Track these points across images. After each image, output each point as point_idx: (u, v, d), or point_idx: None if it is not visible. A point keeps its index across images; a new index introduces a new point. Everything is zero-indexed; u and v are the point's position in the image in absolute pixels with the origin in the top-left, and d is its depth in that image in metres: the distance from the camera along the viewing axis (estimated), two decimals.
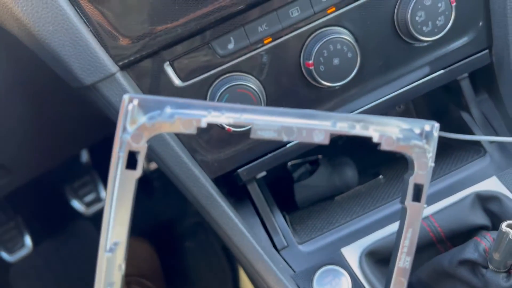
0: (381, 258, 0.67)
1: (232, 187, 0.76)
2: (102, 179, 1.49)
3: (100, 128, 1.13)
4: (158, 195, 1.74)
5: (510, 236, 0.50)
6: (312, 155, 0.89)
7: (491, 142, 0.74)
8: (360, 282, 0.65)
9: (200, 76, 0.64)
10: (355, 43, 0.65)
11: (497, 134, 0.75)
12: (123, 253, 0.42)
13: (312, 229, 0.76)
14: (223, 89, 0.62)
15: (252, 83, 0.64)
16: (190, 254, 1.55)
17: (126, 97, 0.41)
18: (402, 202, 0.46)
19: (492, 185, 0.68)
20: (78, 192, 1.53)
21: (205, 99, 0.65)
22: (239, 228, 0.68)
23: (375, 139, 0.43)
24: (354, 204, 0.78)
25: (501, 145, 0.74)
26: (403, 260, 0.47)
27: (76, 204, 1.53)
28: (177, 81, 0.63)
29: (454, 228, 0.65)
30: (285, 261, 0.72)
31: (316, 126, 0.42)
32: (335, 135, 0.42)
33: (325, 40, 0.63)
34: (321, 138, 0.41)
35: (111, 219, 0.41)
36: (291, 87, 0.67)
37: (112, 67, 0.59)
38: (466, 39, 0.69)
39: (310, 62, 0.64)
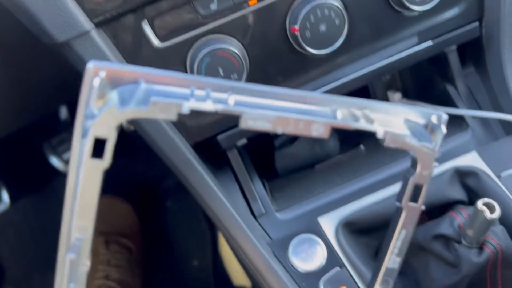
0: (357, 229, 0.67)
1: (213, 153, 0.75)
2: None
3: (79, 84, 1.09)
4: (139, 155, 1.72)
5: (485, 214, 0.51)
6: None
7: (474, 116, 0.74)
8: (335, 251, 0.65)
9: (180, 37, 0.61)
10: (343, 9, 0.62)
11: (480, 109, 0.74)
12: (88, 250, 0.37)
13: (291, 197, 0.76)
14: (204, 52, 0.60)
15: (235, 47, 0.61)
16: (170, 215, 1.56)
17: (90, 66, 0.34)
18: (399, 200, 0.43)
19: (471, 160, 0.68)
20: (56, 149, 1.50)
21: (184, 61, 0.62)
22: (217, 194, 0.67)
23: (379, 135, 0.39)
24: (333, 173, 0.78)
25: (484, 120, 0.74)
26: (392, 261, 0.45)
27: (55, 161, 1.50)
28: (155, 41, 0.61)
29: (431, 202, 0.66)
30: (263, 228, 0.72)
31: (315, 118, 0.37)
32: (338, 126, 0.38)
33: (312, 4, 0.61)
34: (320, 131, 0.37)
35: (74, 214, 0.36)
36: (276, 52, 0.65)
37: (86, 24, 0.56)
38: (457, 10, 0.67)
39: (296, 27, 0.62)
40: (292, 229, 0.69)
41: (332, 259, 0.65)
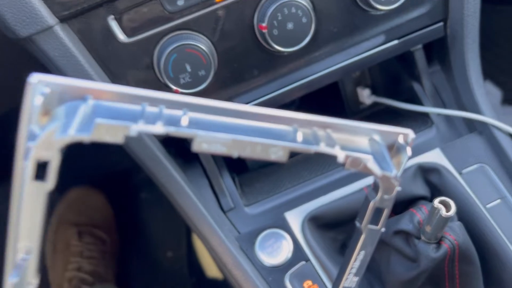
0: (323, 224, 0.69)
1: (182, 147, 0.75)
2: None
3: None
4: (115, 146, 1.71)
5: (441, 212, 0.52)
6: None
7: (439, 114, 0.76)
8: (301, 246, 0.67)
9: (147, 33, 0.60)
10: (310, 8, 0.63)
11: (445, 107, 0.76)
12: (34, 269, 0.34)
13: (260, 192, 0.77)
14: (171, 48, 0.60)
15: (203, 43, 0.61)
16: (145, 206, 1.55)
17: (32, 81, 0.31)
18: (359, 222, 0.42)
19: (434, 157, 0.70)
20: None
21: (151, 57, 0.62)
22: (184, 189, 0.67)
23: (340, 160, 0.37)
24: (302, 168, 0.79)
25: (448, 118, 0.76)
26: (350, 281, 0.45)
27: None
28: (122, 37, 0.60)
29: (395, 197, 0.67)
30: (231, 222, 0.73)
31: (273, 141, 0.35)
32: (296, 150, 0.36)
33: (280, 2, 0.61)
34: (279, 155, 0.35)
35: (18, 236, 0.33)
36: (244, 50, 0.65)
37: (50, 19, 0.55)
38: (423, 10, 0.68)
39: (264, 25, 0.62)
40: (260, 223, 0.70)
41: (298, 254, 0.66)
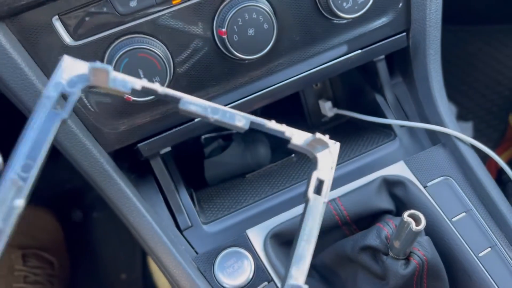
0: (286, 241, 0.65)
1: (136, 161, 0.70)
2: None
3: None
4: (65, 161, 1.62)
5: (410, 226, 0.50)
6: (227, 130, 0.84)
7: (402, 126, 0.74)
8: (263, 265, 0.62)
9: (96, 36, 0.56)
10: (272, 14, 0.60)
11: (408, 119, 0.75)
12: (26, 192, 0.37)
13: (220, 208, 0.72)
14: (122, 52, 0.55)
15: (157, 48, 0.57)
16: (97, 226, 1.47)
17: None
18: (305, 195, 0.44)
19: (399, 169, 0.68)
20: None
21: (101, 61, 0.57)
22: (136, 207, 0.62)
23: (287, 135, 0.45)
24: (264, 183, 0.75)
25: (411, 130, 0.74)
26: (302, 248, 0.45)
27: None
28: (67, 39, 0.55)
29: (359, 211, 0.65)
30: (188, 242, 0.68)
31: (240, 112, 0.43)
32: (255, 123, 0.44)
33: (240, 7, 0.58)
34: (243, 122, 0.43)
35: (23, 152, 0.36)
36: (202, 56, 0.61)
37: None
38: (385, 19, 0.67)
39: (223, 30, 0.59)
40: (219, 242, 0.65)
41: (260, 274, 0.62)
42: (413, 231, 0.50)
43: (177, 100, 0.41)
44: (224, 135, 0.85)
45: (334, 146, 0.44)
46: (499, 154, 1.33)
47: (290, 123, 0.88)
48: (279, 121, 0.89)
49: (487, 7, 1.58)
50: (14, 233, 1.12)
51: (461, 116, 1.52)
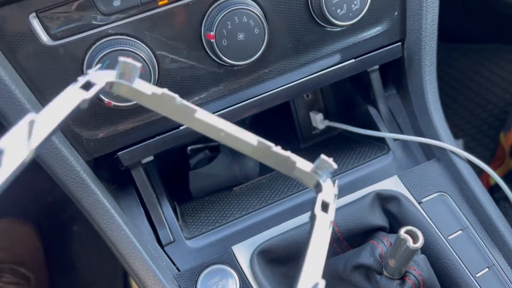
0: (274, 258, 0.61)
1: (117, 171, 0.66)
2: None
3: None
4: (47, 174, 1.56)
5: (407, 243, 0.47)
6: (213, 142, 0.81)
7: (395, 139, 0.72)
8: (249, 283, 0.59)
9: (76, 36, 0.52)
10: (263, 18, 0.57)
11: (401, 132, 0.72)
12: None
13: (204, 223, 0.69)
14: (104, 53, 0.52)
15: (142, 51, 0.54)
16: (77, 240, 1.41)
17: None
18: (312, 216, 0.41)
19: (392, 184, 0.65)
20: None
21: (81, 63, 0.53)
22: (114, 219, 0.58)
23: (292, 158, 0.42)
24: (252, 197, 0.72)
25: (405, 144, 0.72)
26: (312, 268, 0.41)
27: None
28: (45, 38, 0.52)
29: (351, 228, 0.61)
30: (170, 258, 0.63)
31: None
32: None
33: (230, 10, 0.55)
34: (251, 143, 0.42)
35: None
36: (189, 60, 0.58)
37: None
38: (380, 28, 0.65)
39: (212, 33, 0.56)
40: (203, 259, 0.61)
41: None
42: (410, 249, 0.47)
43: (192, 111, 0.41)
44: (211, 146, 0.82)
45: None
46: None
47: (280, 135, 0.85)
48: (269, 135, 0.87)
49: (478, 27, 1.59)
50: None
51: (452, 133, 1.50)
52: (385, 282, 0.52)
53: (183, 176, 0.76)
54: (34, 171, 1.55)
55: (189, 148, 0.82)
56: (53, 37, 0.52)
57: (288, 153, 0.41)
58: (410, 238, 0.46)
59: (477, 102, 1.57)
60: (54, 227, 1.44)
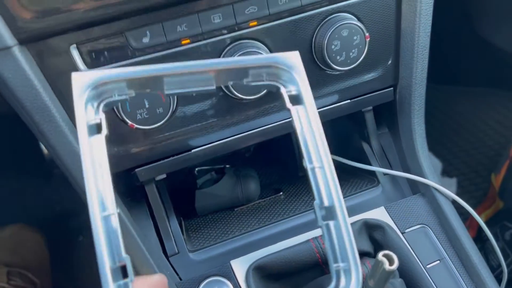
0: (268, 274, 0.68)
1: (130, 186, 0.73)
2: None
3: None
4: (57, 184, 1.63)
5: (384, 265, 0.53)
6: (220, 165, 0.89)
7: (385, 174, 0.79)
8: None
9: (109, 66, 0.60)
10: None
11: (391, 167, 0.80)
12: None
13: (206, 238, 0.75)
14: None
15: None
16: (82, 249, 1.47)
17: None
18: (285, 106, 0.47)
19: (379, 214, 0.72)
20: None
21: None
22: (127, 227, 0.65)
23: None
24: (252, 217, 0.78)
25: (393, 178, 0.79)
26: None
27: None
28: (82, 67, 0.60)
29: None
30: (173, 268, 0.70)
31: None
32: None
33: (242, 52, 0.63)
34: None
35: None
36: (204, 94, 0.66)
37: (9, 39, 0.54)
38: (375, 74, 0.73)
39: None
40: (203, 270, 0.68)
41: None
42: (386, 271, 0.53)
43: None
44: (217, 168, 0.89)
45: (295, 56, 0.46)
46: (480, 212, 1.38)
47: (281, 163, 0.93)
48: (271, 161, 0.94)
49: (476, 70, 1.67)
50: (2, 250, 1.14)
51: (447, 172, 1.57)
52: None
53: (190, 194, 0.83)
54: (47, 183, 1.62)
55: (196, 169, 0.89)
56: (88, 65, 0.60)
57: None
58: (387, 261, 0.53)
59: (472, 143, 1.64)
60: (61, 236, 1.50)
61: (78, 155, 0.62)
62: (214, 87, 0.46)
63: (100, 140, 0.42)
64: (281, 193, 0.84)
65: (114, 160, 0.65)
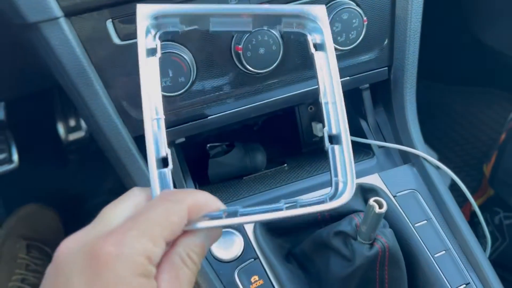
0: (273, 228, 0.76)
1: None
2: (16, 140, 1.46)
3: (16, 85, 1.12)
4: (72, 168, 1.73)
5: (375, 209, 0.62)
6: (230, 141, 0.97)
7: (380, 146, 0.87)
8: (252, 245, 0.73)
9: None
10: (280, 39, 0.74)
11: (385, 141, 0.88)
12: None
13: (219, 199, 0.84)
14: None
15: (186, 54, 0.71)
16: None
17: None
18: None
19: (373, 180, 0.80)
20: (66, 115, 1.50)
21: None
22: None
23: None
24: (259, 184, 0.87)
25: (387, 150, 0.87)
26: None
27: (60, 128, 1.49)
28: (116, 39, 0.69)
29: (338, 210, 0.76)
30: None
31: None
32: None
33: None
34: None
35: None
36: (220, 66, 0.75)
37: (57, 11, 0.64)
38: (372, 55, 0.82)
39: (240, 46, 0.73)
40: None
41: (248, 252, 0.73)
42: (376, 214, 0.61)
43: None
44: (227, 144, 0.98)
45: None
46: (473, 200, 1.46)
47: (286, 140, 1.01)
48: (277, 139, 1.02)
49: (472, 71, 1.76)
50: (21, 226, 1.24)
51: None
52: (357, 245, 0.66)
53: (203, 164, 0.92)
54: (63, 168, 1.71)
55: (208, 145, 0.98)
56: (121, 38, 0.69)
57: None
58: (377, 205, 0.61)
59: (467, 138, 1.73)
60: (75, 217, 1.59)
61: (109, 116, 0.71)
62: (251, 29, 0.57)
63: (155, 61, 0.52)
64: (286, 165, 0.92)
65: (140, 123, 0.74)
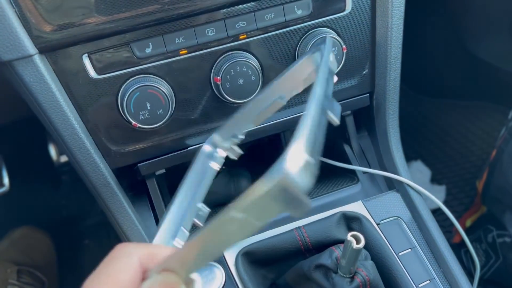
0: (256, 259, 0.75)
1: (134, 181, 0.82)
2: (8, 163, 1.45)
3: (8, 111, 1.13)
4: (65, 190, 1.72)
5: (352, 244, 0.61)
6: None
7: (364, 172, 0.87)
8: (233, 278, 0.72)
9: (115, 72, 0.69)
10: (259, 69, 0.74)
11: (369, 166, 0.88)
12: None
13: (201, 228, 0.83)
14: (135, 87, 0.69)
15: (164, 87, 0.71)
16: (88, 253, 1.55)
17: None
18: None
19: (357, 208, 0.80)
20: None
21: (117, 94, 0.70)
22: (130, 218, 0.73)
23: None
24: None
25: (371, 176, 0.87)
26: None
27: (51, 150, 1.48)
28: (92, 73, 0.69)
29: (320, 240, 0.75)
30: None
31: None
32: None
33: (233, 61, 0.72)
34: None
35: None
36: (199, 97, 0.75)
37: (31, 48, 0.63)
38: (353, 82, 0.81)
39: (219, 78, 0.72)
40: None
41: (229, 285, 0.72)
42: (354, 249, 0.61)
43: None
44: None
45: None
46: (467, 217, 1.45)
47: (271, 163, 1.01)
48: (262, 162, 1.01)
49: (463, 85, 1.76)
50: (12, 250, 1.23)
51: (437, 180, 1.64)
52: (338, 279, 0.66)
53: None
54: (55, 189, 1.71)
55: None
56: (98, 72, 0.69)
57: None
58: (354, 240, 0.61)
59: (462, 153, 1.72)
60: (67, 239, 1.58)
61: (86, 150, 0.71)
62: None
63: None
64: None
65: (119, 156, 0.74)
